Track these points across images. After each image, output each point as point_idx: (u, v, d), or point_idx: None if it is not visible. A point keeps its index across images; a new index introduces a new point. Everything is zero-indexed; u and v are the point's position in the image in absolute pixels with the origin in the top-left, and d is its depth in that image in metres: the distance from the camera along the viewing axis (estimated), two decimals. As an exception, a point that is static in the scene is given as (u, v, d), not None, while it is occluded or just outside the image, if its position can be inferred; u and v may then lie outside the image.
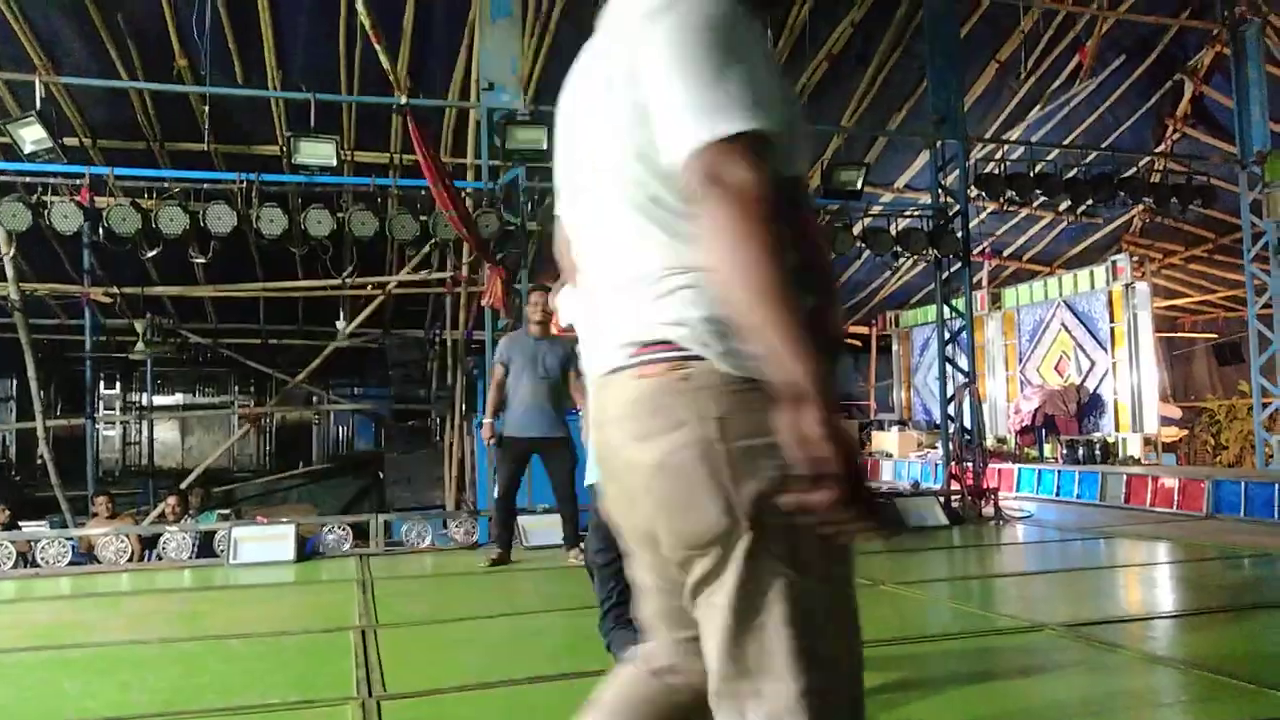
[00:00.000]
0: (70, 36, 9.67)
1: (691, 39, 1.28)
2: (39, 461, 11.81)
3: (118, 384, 18.29)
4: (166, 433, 18.70)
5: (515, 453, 6.47)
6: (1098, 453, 11.65)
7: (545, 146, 8.17)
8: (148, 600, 6.06)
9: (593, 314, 1.53)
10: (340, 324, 12.64)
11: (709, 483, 1.29)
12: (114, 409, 18.17)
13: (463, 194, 8.59)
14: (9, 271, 9.97)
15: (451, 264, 11.93)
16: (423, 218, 8.27)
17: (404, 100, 8.10)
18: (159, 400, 17.92)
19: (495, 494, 6.83)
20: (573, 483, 6.45)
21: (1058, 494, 11.02)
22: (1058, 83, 12.55)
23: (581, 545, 6.44)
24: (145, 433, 18.06)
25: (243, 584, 6.47)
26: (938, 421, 11.36)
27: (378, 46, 8.22)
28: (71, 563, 7.30)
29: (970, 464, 9.50)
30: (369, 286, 12.26)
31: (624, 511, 1.50)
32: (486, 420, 6.63)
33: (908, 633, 4.47)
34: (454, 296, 12.51)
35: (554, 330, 6.54)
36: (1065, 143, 12.84)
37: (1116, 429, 12.82)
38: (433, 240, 8.78)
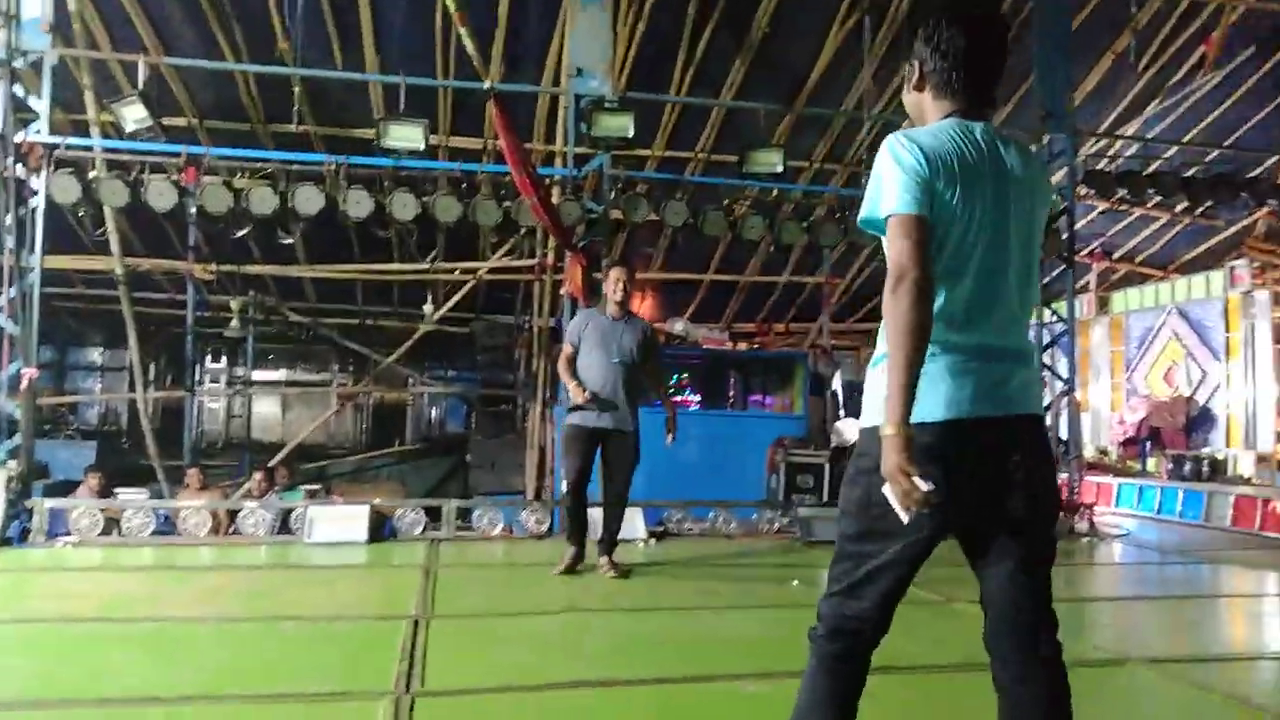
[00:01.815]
0: (180, 19, 9.94)
1: None
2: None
3: (224, 358, 18.86)
4: (268, 407, 19.19)
5: (582, 444, 5.80)
6: (1205, 469, 10.99)
7: (631, 134, 8.05)
8: (219, 576, 6.16)
9: None
10: (428, 308, 12.78)
11: None
12: (219, 383, 18.75)
13: (547, 181, 8.54)
14: (114, 247, 10.33)
15: (539, 251, 11.95)
16: (506, 204, 8.24)
17: (489, 85, 8.05)
18: (261, 375, 18.41)
19: (564, 488, 6.16)
20: (629, 483, 5.89)
21: (1159, 512, 10.43)
22: (1178, 75, 11.85)
23: (613, 558, 5.88)
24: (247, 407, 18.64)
25: (312, 564, 6.52)
26: (1034, 429, 10.86)
27: (462, 30, 8.22)
28: (156, 532, 7.50)
29: (1065, 476, 9.05)
30: (457, 271, 12.35)
31: None
32: (573, 385, 5.77)
33: (977, 658, 4.19)
34: (541, 283, 12.52)
35: (632, 309, 6.10)
36: (1185, 140, 12.12)
37: (1227, 445, 12.10)
38: (521, 228, 8.77)
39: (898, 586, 2.13)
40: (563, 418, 6.33)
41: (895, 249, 2.00)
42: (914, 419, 1.99)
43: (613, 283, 5.88)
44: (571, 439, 5.88)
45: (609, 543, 5.97)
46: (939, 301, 2.05)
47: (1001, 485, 2.08)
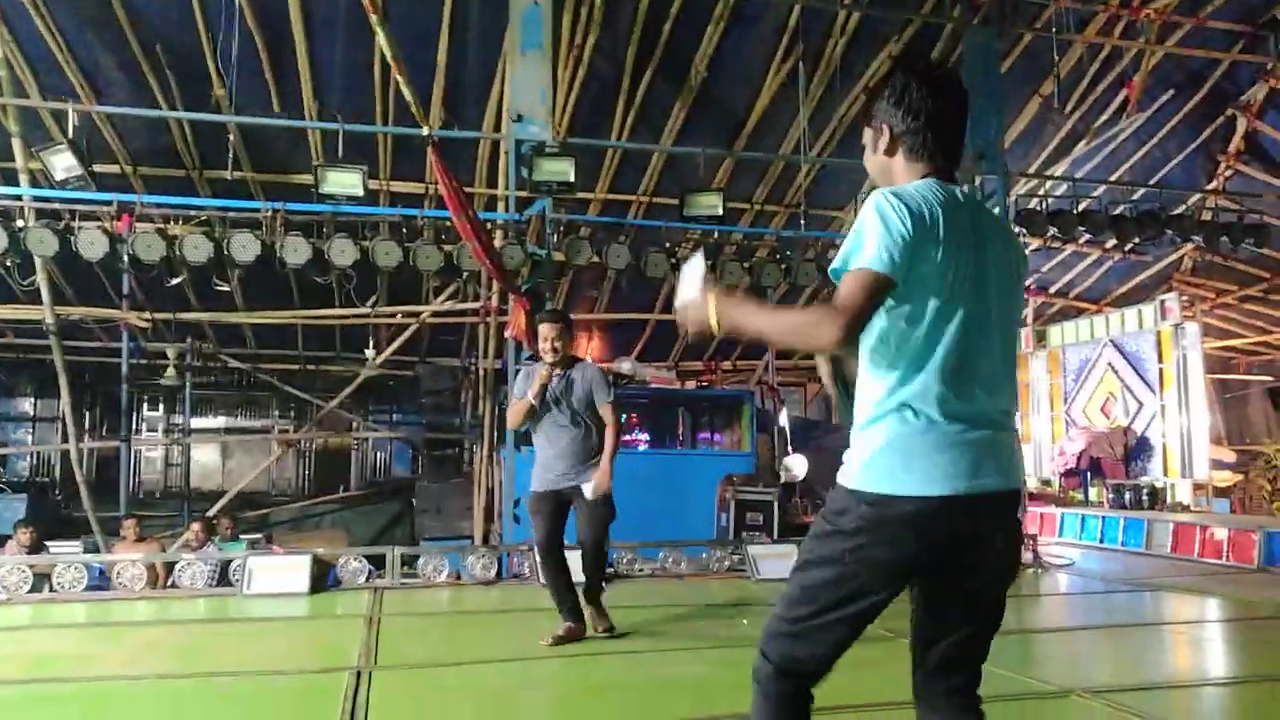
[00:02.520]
0: (110, 66, 9.82)
1: None
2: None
3: (161, 406, 18.45)
4: (207, 455, 18.77)
5: (547, 505, 5.30)
6: (1145, 498, 11.21)
7: (571, 179, 8.09)
8: (154, 631, 5.98)
9: None
10: (369, 352, 12.65)
11: None
12: (156, 431, 18.32)
13: (489, 225, 8.54)
14: (45, 296, 10.09)
15: (483, 294, 11.92)
16: (447, 248, 8.22)
17: (427, 131, 8.05)
18: (200, 423, 18.02)
19: (535, 554, 5.59)
20: (604, 537, 5.36)
21: (1101, 541, 10.61)
22: (1104, 117, 12.26)
23: (602, 606, 5.38)
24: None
25: (252, 616, 6.36)
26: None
27: (399, 78, 8.23)
28: (91, 587, 7.26)
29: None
30: (399, 315, 12.26)
31: None
32: (531, 389, 5.25)
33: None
34: (485, 326, 12.48)
35: (576, 354, 5.68)
36: (1112, 179, 12.51)
37: (1165, 473, 12.36)
38: (464, 272, 8.74)
39: (854, 637, 2.08)
40: (508, 459, 6.18)
41: (847, 292, 1.93)
42: (909, 493, 1.96)
43: (542, 340, 5.32)
44: (535, 503, 5.38)
45: (592, 590, 5.42)
46: (926, 367, 2.00)
47: (984, 557, 2.07)
